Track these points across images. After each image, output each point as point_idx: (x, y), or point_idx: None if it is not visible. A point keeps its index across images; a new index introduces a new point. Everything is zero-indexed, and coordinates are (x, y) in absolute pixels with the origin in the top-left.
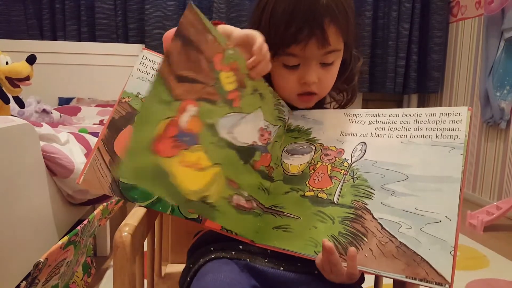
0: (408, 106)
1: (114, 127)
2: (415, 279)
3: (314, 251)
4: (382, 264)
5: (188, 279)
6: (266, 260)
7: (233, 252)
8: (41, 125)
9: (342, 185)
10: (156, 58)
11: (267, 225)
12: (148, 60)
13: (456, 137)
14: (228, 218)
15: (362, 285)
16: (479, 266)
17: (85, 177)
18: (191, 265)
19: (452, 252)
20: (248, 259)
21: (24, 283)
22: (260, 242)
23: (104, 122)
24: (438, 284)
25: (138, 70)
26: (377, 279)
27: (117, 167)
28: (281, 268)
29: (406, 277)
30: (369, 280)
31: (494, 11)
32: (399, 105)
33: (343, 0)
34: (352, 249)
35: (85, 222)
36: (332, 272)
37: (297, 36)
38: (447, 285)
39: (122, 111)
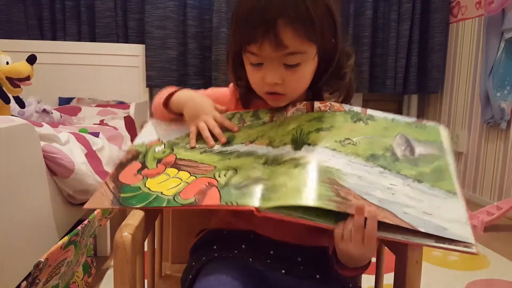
0: (408, 106)
1: (121, 166)
2: (444, 243)
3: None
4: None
5: (190, 277)
6: (268, 261)
7: (235, 251)
8: (42, 125)
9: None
10: (159, 122)
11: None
12: (151, 125)
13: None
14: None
15: (363, 285)
16: (480, 266)
17: (91, 201)
18: (193, 263)
19: (468, 222)
20: (250, 259)
21: (24, 283)
22: (264, 205)
23: (105, 122)
24: (466, 246)
25: (145, 132)
26: (378, 279)
27: (119, 188)
28: (283, 271)
29: (435, 242)
30: (369, 280)
31: (494, 11)
32: (399, 105)
33: None
34: (373, 208)
35: (86, 222)
36: (352, 240)
37: (253, 35)
38: (473, 247)
39: (129, 155)
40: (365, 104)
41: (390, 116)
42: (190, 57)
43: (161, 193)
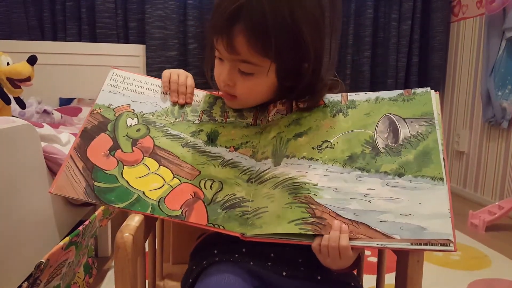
0: None
1: (87, 136)
2: (419, 244)
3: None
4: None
5: (191, 280)
6: (269, 263)
7: (236, 255)
8: (42, 126)
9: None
10: (126, 74)
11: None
12: (118, 75)
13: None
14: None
15: (364, 286)
16: (481, 266)
17: (57, 184)
18: (194, 267)
19: (449, 214)
20: (251, 262)
21: (26, 283)
22: (249, 233)
23: None
24: (443, 245)
25: (108, 85)
26: (379, 280)
27: (91, 172)
28: (284, 274)
29: (411, 244)
30: (371, 280)
31: (495, 10)
32: None
33: (285, 13)
34: (337, 221)
35: (87, 222)
36: (329, 255)
37: (214, 29)
38: (451, 245)
39: (94, 121)
40: None
41: (374, 95)
42: (190, 57)
43: (143, 193)
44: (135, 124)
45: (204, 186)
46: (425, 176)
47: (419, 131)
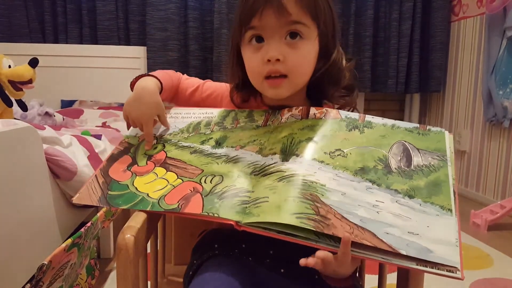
0: (410, 106)
1: (112, 159)
2: (425, 266)
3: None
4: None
5: (191, 273)
6: (268, 260)
7: (236, 251)
8: (44, 128)
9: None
10: None
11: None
12: None
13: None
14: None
15: (366, 286)
16: (483, 265)
17: (79, 196)
18: (194, 261)
19: (458, 243)
20: (250, 258)
21: (28, 285)
22: (245, 221)
23: (107, 124)
24: (449, 271)
25: None
26: (381, 279)
27: (108, 184)
28: (282, 271)
29: (417, 264)
30: (372, 280)
31: (496, 9)
32: (401, 105)
33: None
34: (347, 234)
35: (89, 224)
36: (333, 265)
37: (254, 4)
38: (458, 272)
39: (120, 147)
40: (367, 104)
41: (390, 122)
42: (191, 58)
43: (147, 195)
44: (154, 144)
45: (205, 181)
46: (435, 204)
47: (431, 163)
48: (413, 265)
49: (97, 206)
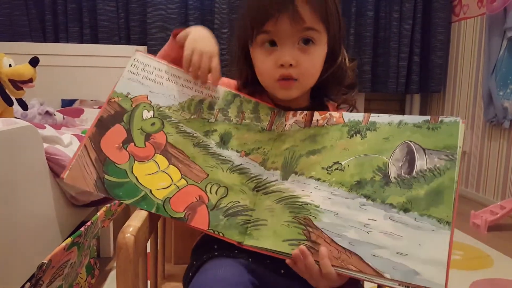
0: (411, 106)
1: (102, 126)
2: (407, 287)
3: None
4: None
5: (190, 274)
6: (267, 260)
7: (236, 251)
8: (44, 127)
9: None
10: (148, 60)
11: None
12: (139, 62)
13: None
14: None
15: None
16: (483, 266)
17: (70, 172)
18: (194, 262)
19: (446, 263)
20: (250, 259)
21: (28, 284)
22: (246, 242)
23: None
24: None
25: (129, 71)
26: None
27: (103, 164)
28: (282, 272)
29: (399, 285)
30: None
31: (496, 10)
32: (402, 105)
33: None
34: (323, 248)
35: (89, 223)
36: (307, 273)
37: (269, 10)
38: None
39: (111, 110)
40: (367, 104)
41: (397, 119)
42: None
43: (150, 191)
44: (151, 117)
45: (210, 190)
46: (432, 216)
47: (437, 165)
48: (395, 285)
49: (94, 193)
